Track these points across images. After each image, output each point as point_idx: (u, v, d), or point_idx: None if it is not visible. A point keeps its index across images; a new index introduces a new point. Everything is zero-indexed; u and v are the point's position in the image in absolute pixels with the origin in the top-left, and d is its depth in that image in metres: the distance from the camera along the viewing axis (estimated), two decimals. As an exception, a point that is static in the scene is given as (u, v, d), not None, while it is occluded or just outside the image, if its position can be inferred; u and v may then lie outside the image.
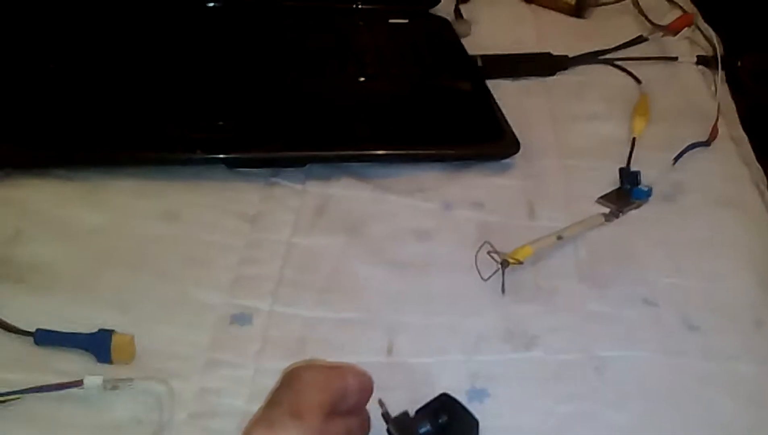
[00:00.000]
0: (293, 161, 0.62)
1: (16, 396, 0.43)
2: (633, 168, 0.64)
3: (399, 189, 0.61)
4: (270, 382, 0.44)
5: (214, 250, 0.55)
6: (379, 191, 0.61)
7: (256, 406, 0.44)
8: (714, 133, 0.68)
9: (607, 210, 0.61)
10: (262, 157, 0.61)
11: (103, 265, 0.52)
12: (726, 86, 0.76)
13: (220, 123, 0.62)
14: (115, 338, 0.46)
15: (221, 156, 0.59)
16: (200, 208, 0.57)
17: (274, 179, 0.61)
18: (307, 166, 0.62)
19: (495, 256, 0.54)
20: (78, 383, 0.43)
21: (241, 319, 0.51)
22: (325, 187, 0.61)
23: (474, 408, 0.44)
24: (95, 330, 0.47)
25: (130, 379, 0.44)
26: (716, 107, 0.70)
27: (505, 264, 0.54)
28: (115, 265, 0.52)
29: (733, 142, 0.69)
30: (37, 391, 0.43)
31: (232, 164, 0.60)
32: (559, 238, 0.57)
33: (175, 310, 0.50)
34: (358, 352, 0.49)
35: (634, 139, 0.67)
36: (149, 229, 0.55)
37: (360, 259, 0.56)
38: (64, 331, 0.47)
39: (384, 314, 0.52)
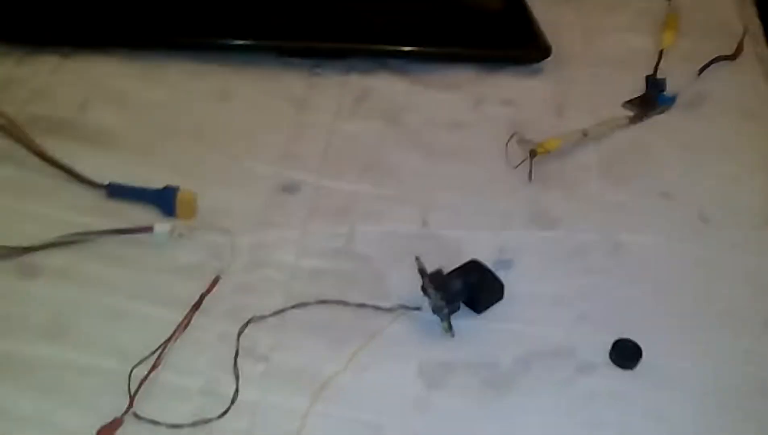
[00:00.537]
0: (336, 53, 0.65)
1: (94, 237, 0.48)
2: (659, 77, 0.67)
3: (435, 84, 0.65)
4: (315, 243, 0.51)
5: (264, 128, 0.59)
6: (416, 85, 0.65)
7: (303, 261, 0.50)
8: (739, 49, 0.70)
9: (631, 114, 0.65)
10: (308, 46, 0.64)
11: (165, 135, 0.57)
12: (754, 7, 0.78)
13: (272, 14, 0.65)
14: (180, 194, 0.51)
15: (272, 43, 0.63)
16: (251, 90, 0.61)
17: (317, 69, 0.64)
18: (349, 59, 0.65)
19: (524, 146, 0.58)
20: (148, 229, 0.48)
21: (290, 188, 0.55)
22: (365, 79, 0.64)
23: (499, 275, 0.48)
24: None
25: (195, 229, 0.49)
26: (743, 25, 0.72)
27: (533, 153, 0.58)
28: (175, 135, 0.57)
29: (758, 59, 0.72)
30: (112, 234, 0.48)
31: (281, 52, 0.63)
32: (585, 134, 0.61)
33: (231, 177, 0.55)
34: (395, 222, 0.53)
35: (661, 50, 0.69)
36: (205, 106, 0.60)
37: (397, 144, 0.60)
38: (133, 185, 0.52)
39: (419, 193, 0.56)
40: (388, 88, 0.64)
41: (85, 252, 0.48)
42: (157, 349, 0.43)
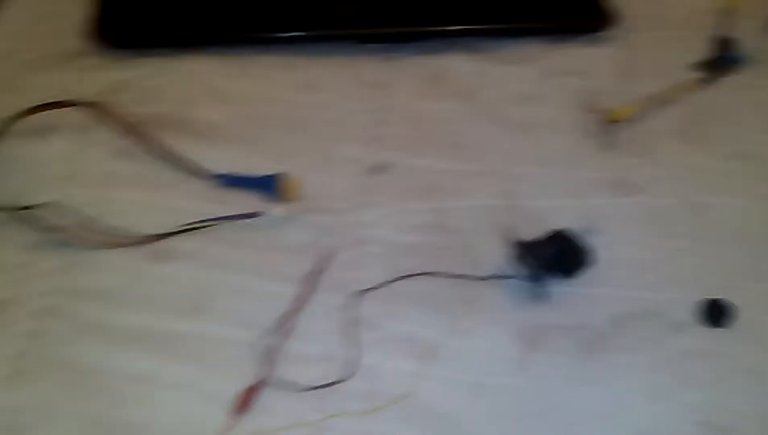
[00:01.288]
0: (411, 36, 0.67)
1: (214, 223, 0.52)
2: (728, 36, 0.67)
3: (505, 60, 0.66)
4: (409, 219, 0.54)
5: (350, 114, 0.62)
6: (487, 62, 0.66)
7: (400, 237, 0.53)
8: (808, 3, 0.71)
9: (703, 75, 0.65)
10: (389, 32, 0.67)
11: (262, 125, 0.60)
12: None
13: (352, 4, 0.67)
14: (285, 180, 0.55)
15: (357, 32, 0.65)
16: (336, 78, 0.64)
17: (395, 54, 0.66)
18: (422, 42, 0.67)
19: (597, 114, 0.60)
20: (261, 213, 0.52)
21: (381, 169, 0.58)
22: (438, 59, 0.66)
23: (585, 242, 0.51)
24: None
25: (301, 212, 0.53)
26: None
27: (607, 120, 0.60)
28: (270, 126, 0.60)
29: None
30: (229, 220, 0.52)
31: (364, 39, 0.66)
32: (658, 99, 0.62)
33: (325, 162, 0.58)
34: (479, 197, 0.56)
35: (729, 9, 0.69)
36: (294, 96, 0.62)
37: (475, 121, 0.62)
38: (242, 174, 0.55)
39: (500, 166, 0.59)
40: (460, 66, 0.65)
41: (207, 237, 0.53)
42: (283, 321, 0.48)
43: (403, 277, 0.51)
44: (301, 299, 0.49)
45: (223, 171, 0.56)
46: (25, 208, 0.52)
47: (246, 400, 0.45)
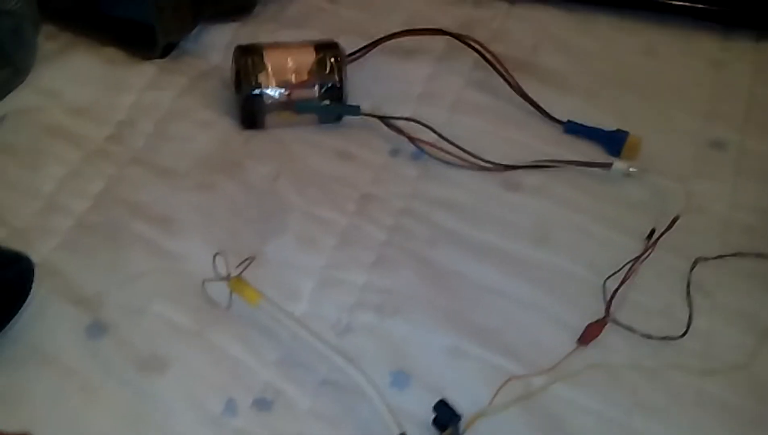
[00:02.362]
0: (746, 20, 0.64)
1: (562, 165, 0.54)
2: None
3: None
4: (745, 199, 0.53)
5: (686, 85, 0.61)
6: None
7: (735, 214, 0.52)
8: None
9: None
10: (720, 10, 0.64)
11: (602, 82, 0.61)
12: None
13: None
14: (629, 138, 0.56)
15: (689, 4, 0.64)
16: (675, 49, 0.64)
17: (731, 34, 0.64)
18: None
19: None
20: (607, 165, 0.54)
21: (717, 144, 0.57)
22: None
23: None
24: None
25: (642, 172, 0.54)
26: None
27: None
28: (609, 84, 0.61)
29: None
30: (576, 165, 0.54)
31: (695, 14, 0.64)
32: None
33: (662, 127, 0.58)
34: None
35: None
36: (634, 59, 0.63)
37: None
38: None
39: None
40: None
41: (552, 176, 0.55)
42: (625, 267, 0.49)
43: (737, 254, 0.51)
44: (642, 253, 0.50)
45: (566, 118, 0.58)
46: (388, 118, 0.57)
47: (592, 333, 0.47)
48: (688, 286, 0.49)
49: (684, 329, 0.48)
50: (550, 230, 0.53)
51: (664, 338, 0.47)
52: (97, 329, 0.46)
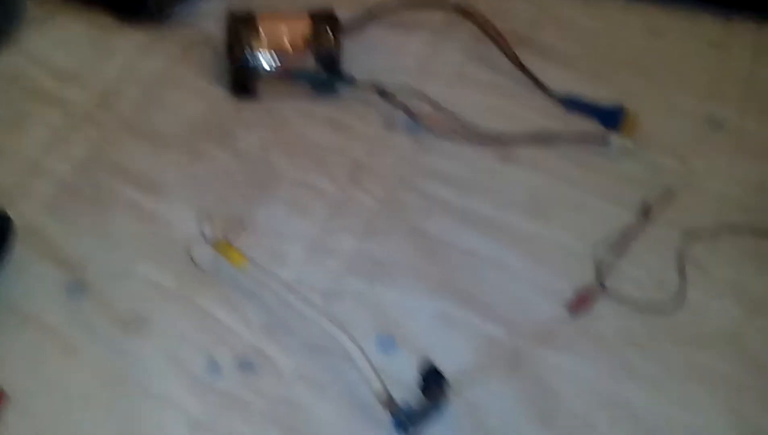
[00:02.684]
0: (748, 3, 0.63)
1: (560, 138, 0.53)
2: None
3: None
4: (742, 176, 0.51)
5: (687, 65, 0.60)
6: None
7: (731, 190, 0.51)
8: None
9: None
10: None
11: (605, 60, 0.60)
12: None
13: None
14: (628, 114, 0.55)
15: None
16: (676, 30, 0.62)
17: (732, 16, 0.63)
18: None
19: None
20: (605, 140, 0.53)
21: (715, 123, 0.56)
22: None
23: None
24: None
25: (639, 147, 0.53)
26: None
27: None
28: (610, 62, 0.60)
29: None
30: (574, 140, 0.53)
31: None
32: None
33: (661, 106, 0.57)
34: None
35: None
36: (635, 39, 0.62)
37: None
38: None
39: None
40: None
41: (548, 149, 0.54)
42: (619, 241, 0.48)
43: (731, 229, 0.50)
44: (636, 226, 0.49)
45: (565, 94, 0.57)
46: (384, 89, 0.55)
47: (582, 302, 0.46)
48: (681, 259, 0.49)
49: (676, 302, 0.47)
50: (544, 202, 0.52)
51: (656, 310, 0.46)
52: (78, 289, 0.45)
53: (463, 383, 0.42)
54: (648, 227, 0.50)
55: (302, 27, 0.55)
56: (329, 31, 0.55)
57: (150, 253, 0.47)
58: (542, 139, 0.55)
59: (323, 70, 0.56)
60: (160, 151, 0.53)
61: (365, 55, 0.59)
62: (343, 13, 0.58)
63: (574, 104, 0.57)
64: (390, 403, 0.39)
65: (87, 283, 0.45)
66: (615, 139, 0.54)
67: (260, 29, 0.55)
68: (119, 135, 0.54)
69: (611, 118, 0.55)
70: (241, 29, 0.55)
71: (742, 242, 0.50)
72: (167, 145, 0.54)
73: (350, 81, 0.56)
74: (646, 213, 0.50)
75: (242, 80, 0.56)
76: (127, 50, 0.59)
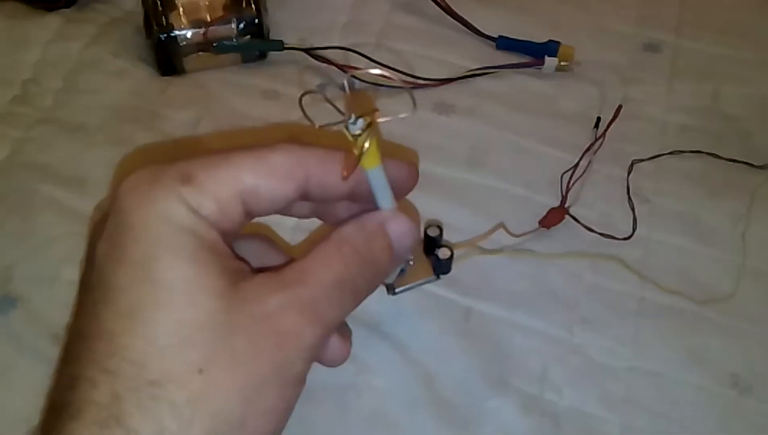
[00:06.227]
0: None
1: (495, 71, 0.50)
2: None
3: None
4: (680, 100, 0.50)
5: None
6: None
7: (670, 116, 0.49)
8: None
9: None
10: None
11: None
12: None
13: None
14: (561, 48, 0.51)
15: None
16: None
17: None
18: None
19: None
20: (539, 63, 0.50)
21: (651, 47, 0.54)
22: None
23: None
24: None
25: (577, 64, 0.50)
26: None
27: None
28: (541, -2, 0.58)
29: None
30: (512, 67, 0.51)
31: None
32: None
33: (596, 35, 0.54)
34: (758, 84, 0.50)
35: None
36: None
37: (760, 8, 0.55)
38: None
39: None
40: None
41: (485, 96, 0.51)
42: (562, 183, 0.45)
43: (674, 153, 0.48)
44: (578, 165, 0.46)
45: (498, 34, 0.53)
46: (313, 48, 0.51)
47: (553, 219, 0.43)
48: (628, 191, 0.46)
49: (624, 236, 0.44)
50: (483, 152, 0.49)
51: (605, 251, 0.43)
52: (6, 303, 0.42)
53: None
54: (591, 166, 0.47)
55: (220, -7, 0.52)
56: (250, -5, 0.52)
57: (78, 256, 0.42)
58: (480, 74, 0.50)
59: (248, 37, 0.51)
60: (85, 143, 0.49)
61: (292, 18, 0.55)
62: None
63: (508, 44, 0.53)
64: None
65: (15, 295, 0.42)
66: (550, 60, 0.50)
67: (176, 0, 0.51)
68: (41, 130, 0.49)
69: (547, 53, 0.51)
70: (156, 1, 0.50)
71: (686, 166, 0.47)
72: (91, 135, 0.49)
73: (278, 45, 0.52)
74: (587, 149, 0.47)
75: (164, 56, 0.51)
76: (42, 38, 0.53)
